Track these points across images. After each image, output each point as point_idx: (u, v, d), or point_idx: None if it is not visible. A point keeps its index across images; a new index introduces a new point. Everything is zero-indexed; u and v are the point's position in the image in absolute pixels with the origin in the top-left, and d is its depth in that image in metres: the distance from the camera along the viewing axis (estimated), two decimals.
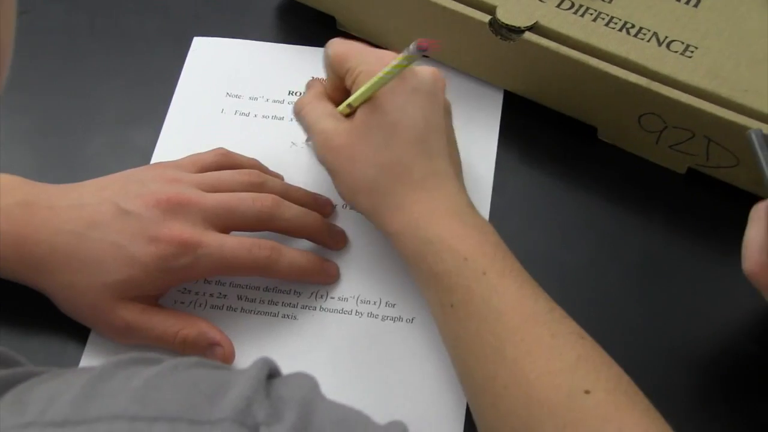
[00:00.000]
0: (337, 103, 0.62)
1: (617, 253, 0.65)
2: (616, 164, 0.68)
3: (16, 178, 0.60)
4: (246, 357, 0.60)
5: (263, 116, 0.71)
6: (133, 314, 0.58)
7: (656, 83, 0.62)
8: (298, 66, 0.73)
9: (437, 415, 0.58)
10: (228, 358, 0.59)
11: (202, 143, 0.69)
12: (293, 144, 0.69)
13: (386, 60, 0.58)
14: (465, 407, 0.58)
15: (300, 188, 0.66)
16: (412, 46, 0.55)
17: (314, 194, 0.66)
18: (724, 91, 0.61)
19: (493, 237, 0.56)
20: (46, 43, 0.75)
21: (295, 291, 0.63)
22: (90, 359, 0.60)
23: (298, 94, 0.72)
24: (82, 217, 0.58)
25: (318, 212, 0.64)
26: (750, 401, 0.59)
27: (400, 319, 0.62)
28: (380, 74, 0.57)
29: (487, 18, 0.66)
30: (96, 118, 0.72)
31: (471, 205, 0.58)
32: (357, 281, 0.63)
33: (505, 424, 0.50)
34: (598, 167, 0.68)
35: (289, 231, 0.62)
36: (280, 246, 0.60)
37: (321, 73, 0.72)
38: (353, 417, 0.42)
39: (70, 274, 0.58)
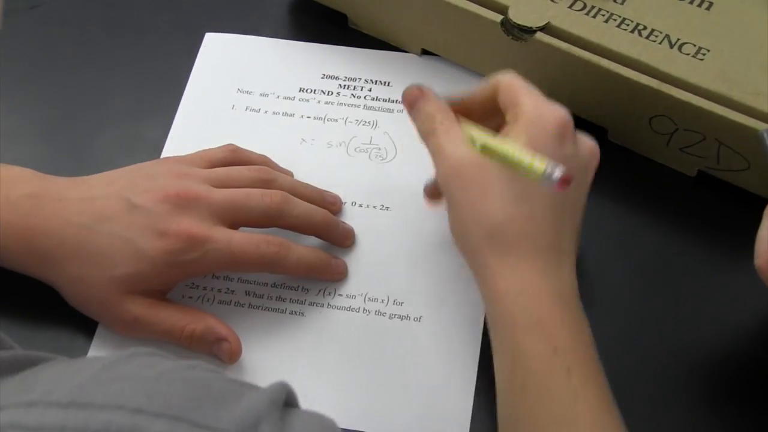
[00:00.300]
0: (469, 117, 0.58)
1: (626, 255, 0.64)
2: (627, 166, 0.68)
3: (25, 170, 0.61)
4: (253, 353, 0.60)
5: (274, 113, 0.71)
6: (140, 308, 0.58)
7: (667, 85, 0.62)
8: (309, 63, 0.73)
9: (444, 414, 0.58)
10: (234, 354, 0.59)
11: (213, 138, 0.69)
12: (303, 141, 0.70)
13: (556, 116, 0.55)
14: (471, 406, 0.58)
15: (309, 185, 0.66)
16: (554, 176, 0.50)
17: (323, 191, 0.66)
18: (735, 94, 0.61)
19: (588, 336, 0.53)
20: (58, 37, 0.75)
21: (303, 288, 0.63)
22: (97, 352, 0.60)
23: (308, 91, 0.72)
24: (92, 210, 0.58)
25: (326, 209, 0.64)
26: (758, 404, 0.59)
27: (407, 317, 0.62)
28: (515, 158, 0.52)
29: (498, 18, 0.66)
30: (107, 111, 0.72)
31: (578, 295, 0.55)
32: (365, 279, 0.63)
33: None
34: (608, 169, 0.67)
35: (297, 228, 0.62)
36: (289, 242, 0.60)
37: (331, 69, 0.73)
38: None
39: (79, 267, 0.58)
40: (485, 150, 0.54)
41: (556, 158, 0.52)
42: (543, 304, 0.53)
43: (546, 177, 0.50)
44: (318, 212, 0.63)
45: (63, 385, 0.36)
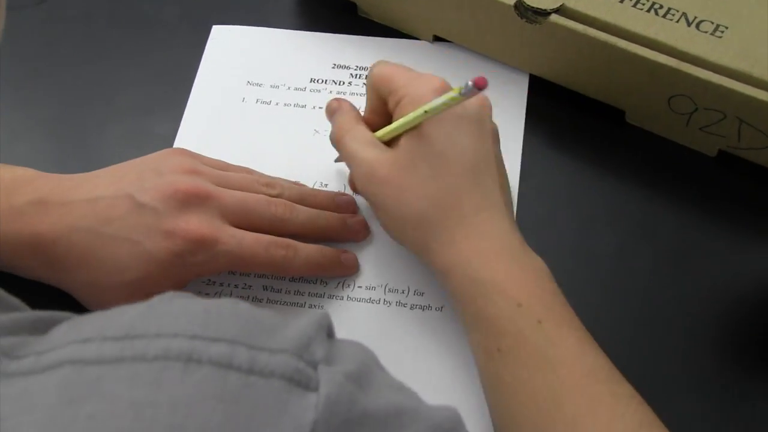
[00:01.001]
0: (374, 127, 0.59)
1: (648, 238, 0.63)
2: (646, 148, 0.67)
3: (28, 171, 0.59)
4: None
5: (285, 104, 0.70)
6: None
7: (686, 64, 0.61)
8: (319, 53, 0.72)
9: (469, 405, 0.57)
10: None
11: (224, 132, 0.68)
12: (316, 131, 0.68)
13: (433, 85, 0.56)
14: None
15: (318, 192, 0.64)
16: (469, 84, 0.51)
17: (335, 194, 0.64)
18: (756, 71, 0.60)
19: (549, 283, 0.54)
20: (65, 32, 0.75)
21: (321, 281, 0.62)
22: None
23: (319, 81, 0.71)
24: (97, 212, 0.57)
25: (339, 212, 0.63)
26: None
27: (429, 307, 0.61)
28: (427, 107, 0.54)
29: (512, 0, 0.65)
30: (115, 107, 0.71)
31: (524, 244, 0.55)
32: (384, 270, 0.62)
33: None
34: (626, 151, 0.67)
35: (302, 234, 0.61)
36: (296, 243, 0.59)
37: (341, 59, 0.72)
38: (408, 390, 0.41)
39: (88, 272, 0.56)
40: (400, 130, 0.56)
41: (449, 122, 0.55)
42: (492, 265, 0.53)
43: (465, 94, 0.51)
44: (321, 217, 0.62)
45: (113, 323, 0.36)
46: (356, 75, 0.71)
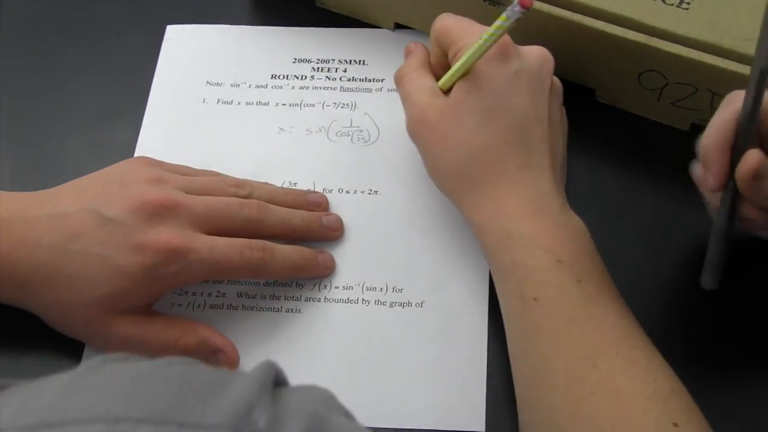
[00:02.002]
0: (439, 79, 0.59)
1: (626, 216, 0.62)
2: (617, 125, 0.66)
3: None
4: (251, 358, 0.58)
5: (247, 103, 0.68)
6: (127, 327, 0.55)
7: (655, 39, 0.60)
8: (279, 48, 0.71)
9: (458, 401, 0.56)
10: (232, 363, 0.56)
11: (186, 135, 0.67)
12: (281, 129, 0.67)
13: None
14: (485, 391, 0.56)
15: (289, 190, 0.63)
16: (515, 6, 0.50)
17: (306, 192, 0.63)
18: (725, 42, 0.59)
19: (589, 245, 0.54)
20: (14, 40, 0.72)
21: (297, 283, 0.60)
22: None
23: (280, 77, 0.69)
24: (62, 228, 0.55)
25: (311, 210, 0.62)
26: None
27: (409, 304, 0.59)
28: (478, 42, 0.53)
29: None
30: (71, 116, 0.69)
31: (566, 204, 0.55)
32: (361, 268, 0.61)
33: (578, 427, 0.48)
34: (598, 130, 0.66)
35: (277, 235, 0.59)
36: (272, 245, 0.58)
37: (302, 53, 0.70)
38: None
39: (56, 291, 0.55)
40: (456, 75, 0.56)
41: (503, 76, 0.55)
42: (531, 222, 0.53)
43: (510, 16, 0.51)
44: (296, 217, 0.60)
45: (30, 406, 0.33)
46: (318, 68, 0.69)
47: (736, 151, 0.50)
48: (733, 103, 0.50)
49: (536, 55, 0.57)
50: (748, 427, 0.56)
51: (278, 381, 0.36)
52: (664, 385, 0.48)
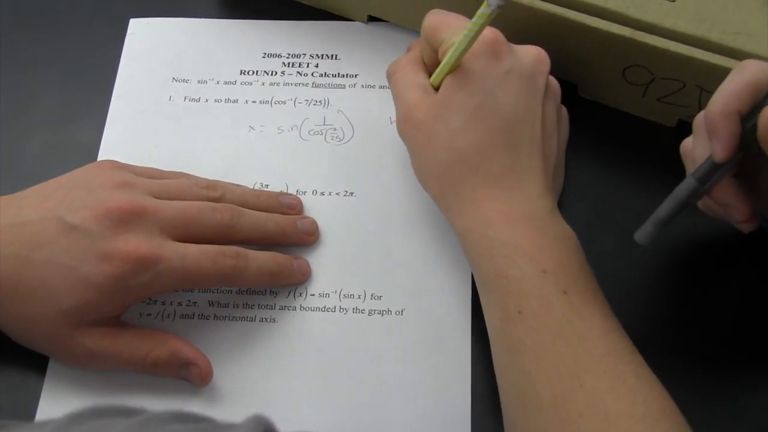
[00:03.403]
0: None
1: (613, 216, 0.60)
2: (601, 122, 0.64)
3: None
4: (225, 370, 0.55)
5: (215, 100, 0.65)
6: (94, 340, 0.53)
7: (640, 33, 0.58)
8: (248, 43, 0.68)
9: (441, 414, 0.54)
10: (205, 377, 0.54)
11: (152, 135, 0.64)
12: (251, 128, 0.64)
13: (484, 35, 0.53)
14: (470, 403, 0.54)
15: (262, 192, 0.60)
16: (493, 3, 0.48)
17: (278, 195, 0.60)
18: (713, 36, 0.57)
19: (577, 254, 0.51)
20: None
21: (271, 291, 0.58)
22: (53, 390, 0.55)
23: (250, 73, 0.66)
24: (24, 237, 0.52)
25: (285, 214, 0.59)
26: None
27: (388, 312, 0.57)
28: (462, 34, 0.51)
29: None
30: (31, 117, 0.65)
31: (555, 211, 0.53)
32: (337, 274, 0.58)
33: None
34: (581, 127, 0.63)
35: (251, 241, 0.57)
36: (246, 251, 0.55)
37: (272, 47, 0.68)
38: None
39: (19, 303, 0.52)
40: (443, 72, 0.54)
41: (493, 75, 0.53)
42: (515, 229, 0.51)
43: (491, 3, 0.49)
44: (270, 220, 0.58)
45: None
46: (289, 63, 0.67)
47: (750, 118, 0.48)
48: (746, 70, 0.48)
49: (531, 54, 0.55)
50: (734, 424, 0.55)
51: None
52: (653, 406, 0.46)
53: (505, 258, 0.50)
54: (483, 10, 0.50)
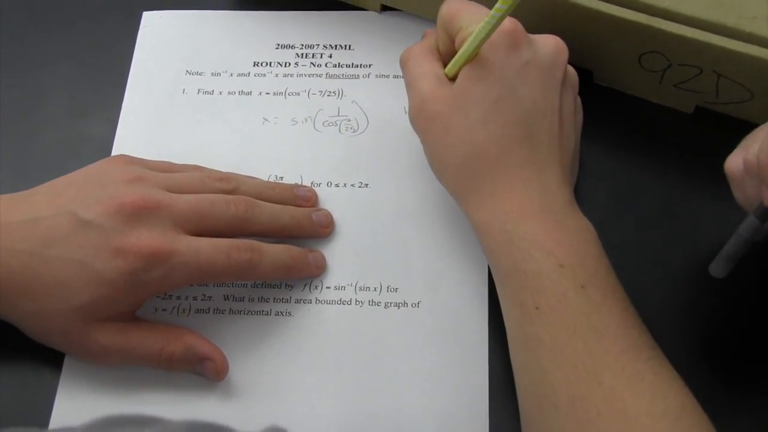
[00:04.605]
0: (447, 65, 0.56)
1: (631, 204, 0.60)
2: (617, 109, 0.63)
3: None
4: (240, 365, 0.55)
5: (229, 92, 0.65)
6: (109, 336, 0.53)
7: (656, 19, 0.57)
8: (261, 34, 0.67)
9: (459, 408, 0.53)
10: (221, 371, 0.54)
11: (166, 128, 0.64)
12: (266, 120, 0.64)
13: (503, 24, 0.52)
14: (488, 396, 0.53)
15: (276, 184, 0.60)
16: None
17: (293, 186, 0.60)
18: (730, 21, 0.56)
19: (594, 247, 0.50)
20: None
21: (286, 285, 0.58)
22: (68, 385, 0.55)
23: (263, 64, 0.66)
24: (38, 233, 0.52)
25: (300, 206, 0.59)
26: None
27: (404, 304, 0.57)
28: (480, 24, 0.50)
29: None
30: (44, 112, 0.65)
31: (573, 204, 0.52)
32: (353, 267, 0.58)
33: None
34: (597, 113, 0.62)
35: (265, 233, 0.56)
36: (260, 245, 0.55)
37: (285, 38, 0.67)
38: None
39: (33, 300, 0.52)
40: (460, 61, 0.53)
41: (512, 66, 0.52)
42: (533, 222, 0.50)
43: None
44: (285, 213, 0.57)
45: None
46: (302, 54, 0.66)
47: None
48: None
49: (549, 45, 0.54)
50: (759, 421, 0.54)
51: None
52: (673, 403, 0.46)
53: (522, 252, 0.50)
54: (501, 5, 0.48)
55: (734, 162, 0.51)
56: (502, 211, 0.51)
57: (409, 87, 0.56)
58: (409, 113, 0.56)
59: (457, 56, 0.54)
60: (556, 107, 0.53)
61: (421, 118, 0.54)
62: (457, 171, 0.53)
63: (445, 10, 0.56)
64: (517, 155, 0.52)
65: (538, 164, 0.52)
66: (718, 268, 0.52)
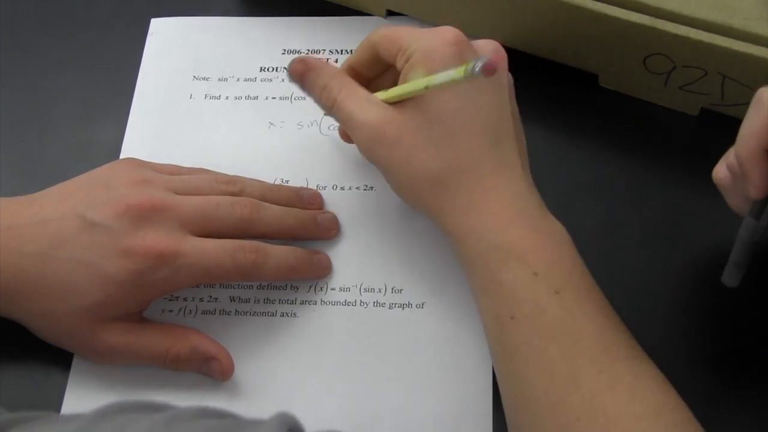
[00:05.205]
0: (361, 82, 0.55)
1: (635, 208, 0.60)
2: (622, 111, 0.63)
3: None
4: (246, 365, 0.55)
5: (236, 97, 0.65)
6: (116, 336, 0.53)
7: (660, 21, 0.57)
8: (267, 40, 0.68)
9: (463, 409, 0.53)
10: (227, 371, 0.54)
11: (173, 133, 0.64)
12: (272, 124, 0.64)
13: (446, 37, 0.51)
14: (492, 398, 0.53)
15: (282, 187, 0.60)
16: (478, 68, 0.45)
17: (299, 189, 0.60)
18: (735, 22, 0.56)
19: (569, 250, 0.50)
20: None
21: (292, 286, 0.58)
22: (76, 385, 0.55)
23: (270, 69, 0.66)
24: (46, 234, 0.52)
25: (305, 209, 0.59)
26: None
27: (409, 305, 0.57)
28: (428, 82, 0.49)
29: None
30: (53, 117, 0.66)
31: (542, 205, 0.52)
32: (358, 268, 0.58)
33: None
34: (602, 117, 0.63)
35: (270, 235, 0.57)
36: (265, 246, 0.55)
37: (291, 43, 0.68)
38: None
39: (41, 300, 0.52)
40: (396, 99, 0.52)
41: None
42: (510, 230, 0.50)
43: (470, 74, 0.45)
44: (290, 215, 0.58)
45: None
46: None
47: None
48: (763, 104, 0.47)
49: (491, 50, 0.53)
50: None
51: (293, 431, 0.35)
52: (652, 401, 0.45)
53: (498, 262, 0.49)
54: (460, 76, 0.47)
55: (720, 170, 0.52)
56: (480, 221, 0.50)
57: (351, 123, 0.54)
58: (362, 148, 0.54)
59: (400, 90, 0.52)
60: (508, 109, 0.53)
61: (378, 147, 0.53)
62: (429, 190, 0.52)
63: (384, 31, 0.55)
64: (488, 163, 0.51)
65: (508, 170, 0.52)
66: (730, 277, 0.52)
